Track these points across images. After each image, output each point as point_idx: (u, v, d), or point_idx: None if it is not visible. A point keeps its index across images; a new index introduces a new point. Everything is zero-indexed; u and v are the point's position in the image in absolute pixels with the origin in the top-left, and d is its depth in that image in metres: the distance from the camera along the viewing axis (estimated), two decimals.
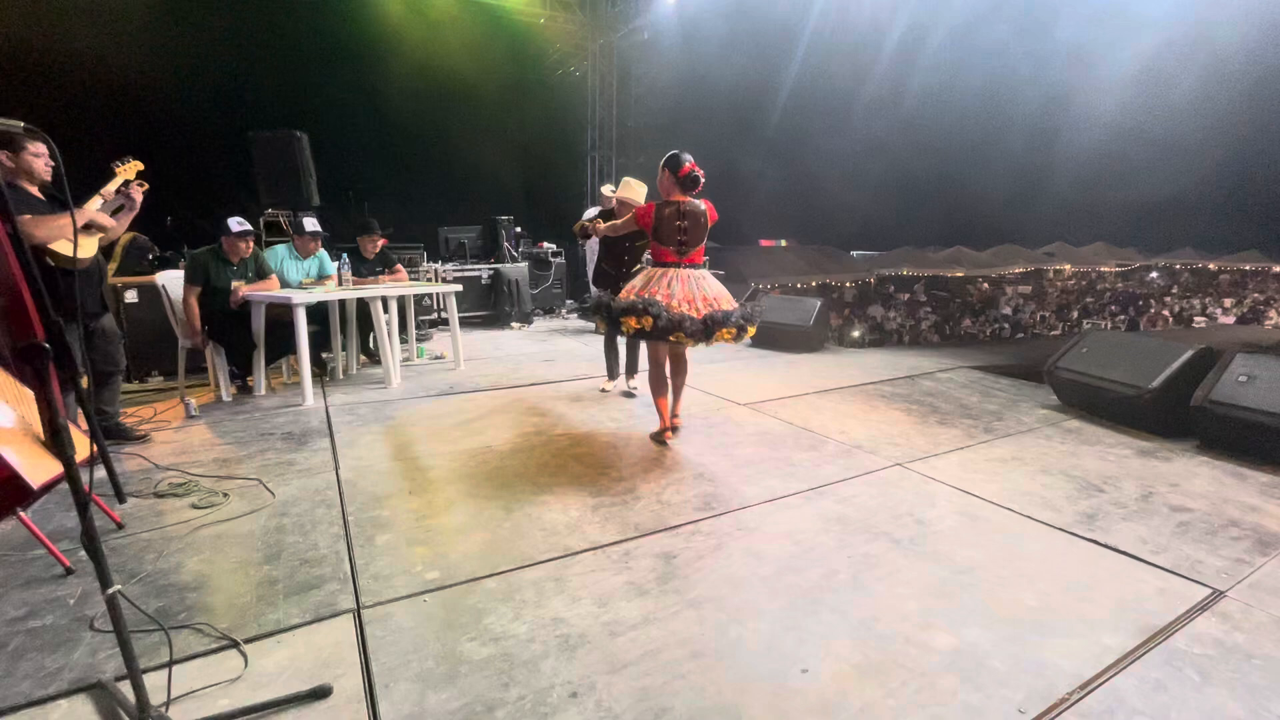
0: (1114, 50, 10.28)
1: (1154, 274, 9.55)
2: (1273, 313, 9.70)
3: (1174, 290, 9.74)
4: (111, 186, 3.15)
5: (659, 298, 3.14)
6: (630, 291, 3.28)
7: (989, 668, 1.69)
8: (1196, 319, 9.55)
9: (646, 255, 3.77)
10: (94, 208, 3.06)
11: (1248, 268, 10.09)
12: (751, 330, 3.27)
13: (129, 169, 3.24)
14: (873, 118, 11.60)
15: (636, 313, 3.09)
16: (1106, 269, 9.01)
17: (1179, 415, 3.62)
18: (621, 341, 4.63)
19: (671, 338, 3.14)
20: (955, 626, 1.86)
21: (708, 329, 3.12)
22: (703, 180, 3.25)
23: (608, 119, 12.01)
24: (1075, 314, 8.66)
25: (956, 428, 3.87)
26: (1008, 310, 7.67)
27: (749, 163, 11.75)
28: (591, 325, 7.75)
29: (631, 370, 4.67)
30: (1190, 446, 3.55)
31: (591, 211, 4.63)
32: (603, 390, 4.65)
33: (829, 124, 11.79)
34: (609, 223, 3.75)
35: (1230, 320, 9.79)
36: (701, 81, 11.25)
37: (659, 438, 3.48)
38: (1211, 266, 10.06)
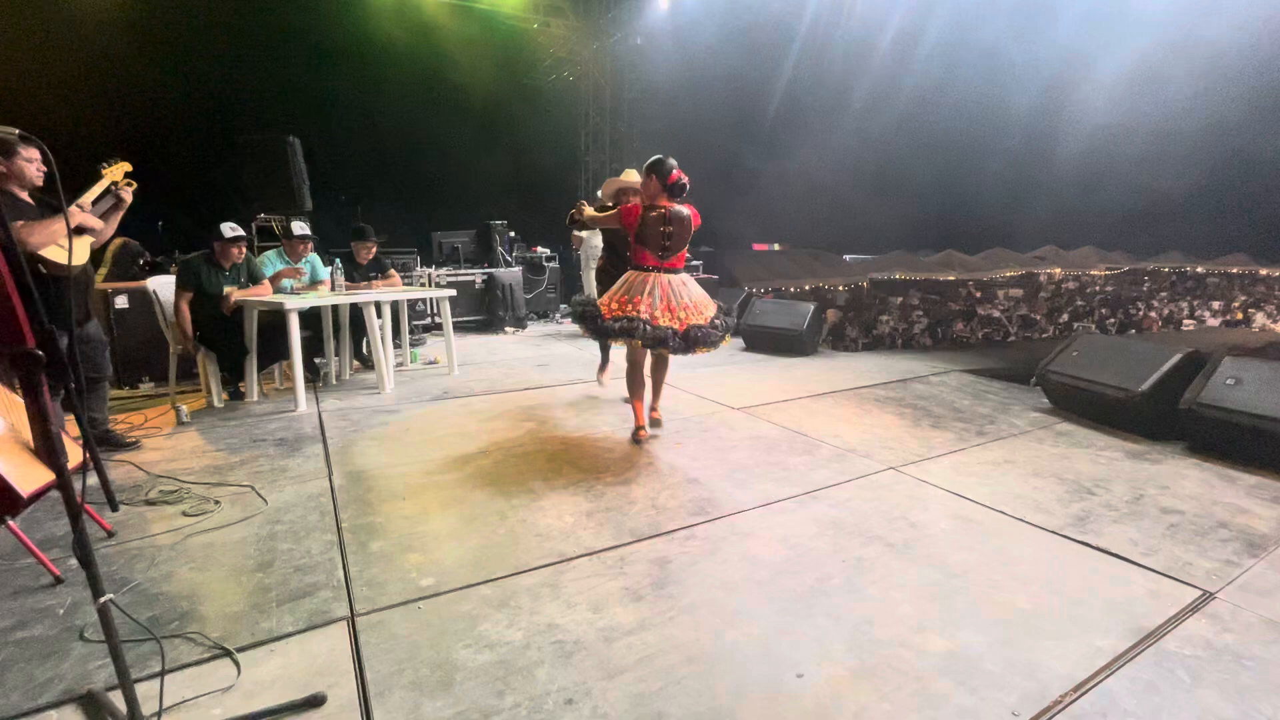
0: (1108, 54, 10.36)
1: (1143, 277, 9.64)
2: (1260, 316, 9.82)
3: (1162, 293, 9.83)
4: (90, 195, 3.01)
5: (641, 308, 3.16)
6: (612, 299, 3.29)
7: (982, 670, 1.70)
8: (1185, 322, 9.64)
9: None
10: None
11: (1235, 270, 10.19)
12: (727, 339, 3.37)
13: (116, 170, 3.12)
14: (867, 121, 11.67)
15: (617, 336, 3.18)
16: (1096, 272, 9.06)
17: (1168, 418, 3.65)
18: None
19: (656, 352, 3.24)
20: (948, 630, 1.87)
21: (688, 345, 3.20)
22: (688, 186, 3.26)
23: (601, 123, 12.07)
24: (1065, 317, 8.71)
25: (949, 431, 3.90)
26: (998, 314, 7.74)
27: (742, 166, 11.81)
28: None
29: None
30: (1179, 449, 3.59)
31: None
32: (600, 382, 4.81)
33: (823, 127, 11.85)
34: (596, 213, 3.73)
35: (1218, 323, 9.89)
36: (694, 86, 11.31)
37: (635, 437, 3.52)
38: (1199, 269, 10.15)
